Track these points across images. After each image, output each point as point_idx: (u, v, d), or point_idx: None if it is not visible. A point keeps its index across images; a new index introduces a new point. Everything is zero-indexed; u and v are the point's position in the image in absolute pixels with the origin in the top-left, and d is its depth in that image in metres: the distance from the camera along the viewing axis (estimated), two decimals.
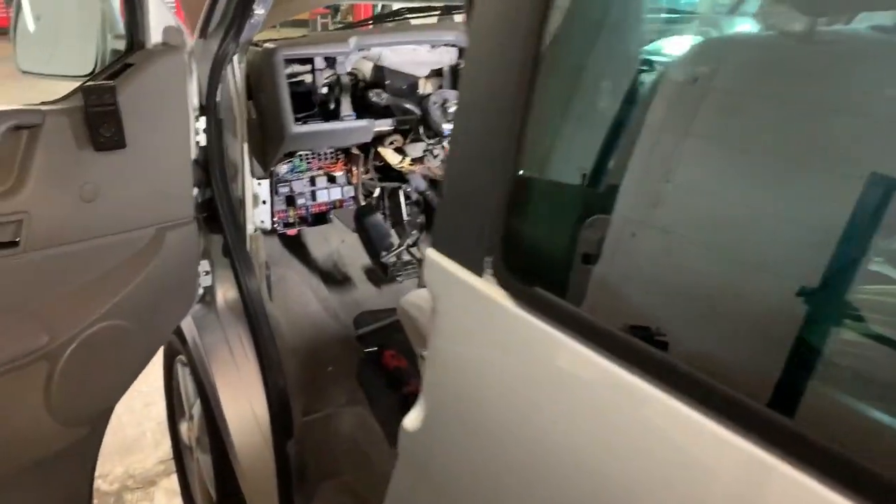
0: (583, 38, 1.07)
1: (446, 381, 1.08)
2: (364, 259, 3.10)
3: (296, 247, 2.86)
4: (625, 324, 0.82)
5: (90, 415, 1.89)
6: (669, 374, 0.72)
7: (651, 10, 1.29)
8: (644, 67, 1.16)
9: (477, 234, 0.97)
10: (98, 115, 1.73)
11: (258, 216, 2.31)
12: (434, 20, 2.92)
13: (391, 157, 2.39)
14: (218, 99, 2.09)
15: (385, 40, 2.33)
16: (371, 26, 2.92)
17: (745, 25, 1.19)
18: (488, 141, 0.94)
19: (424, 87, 2.73)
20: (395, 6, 3.00)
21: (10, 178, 1.68)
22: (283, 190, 2.45)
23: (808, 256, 0.74)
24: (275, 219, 2.44)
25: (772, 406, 0.67)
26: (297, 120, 2.10)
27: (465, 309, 1.00)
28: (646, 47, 1.21)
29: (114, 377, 1.89)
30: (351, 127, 2.21)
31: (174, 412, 2.73)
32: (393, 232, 2.55)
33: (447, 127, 2.16)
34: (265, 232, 2.37)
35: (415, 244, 3.13)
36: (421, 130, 2.24)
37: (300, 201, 2.49)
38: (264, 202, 2.31)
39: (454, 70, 2.60)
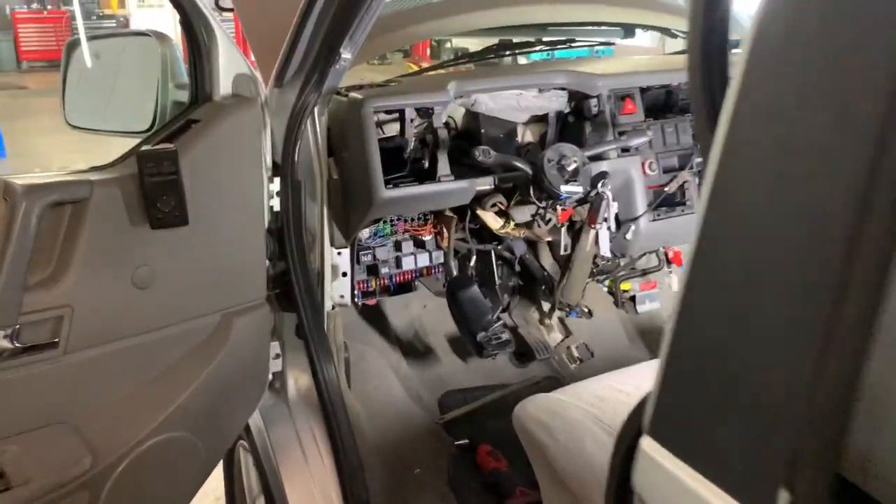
0: None
1: None
2: (447, 327, 2.75)
3: (373, 316, 2.52)
4: None
5: None
6: None
7: None
8: None
9: (759, 443, 0.58)
10: (156, 187, 1.42)
11: (337, 291, 1.98)
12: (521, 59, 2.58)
13: (492, 220, 2.03)
14: (296, 158, 1.77)
15: (488, 85, 1.99)
16: (466, 67, 2.59)
17: None
18: (813, 261, 0.54)
19: (523, 136, 2.38)
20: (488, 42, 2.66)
21: (49, 263, 1.38)
22: (365, 259, 2.12)
23: None
24: (355, 291, 2.09)
25: None
26: (387, 182, 1.76)
27: None
28: None
29: (168, 500, 1.56)
30: (449, 189, 1.87)
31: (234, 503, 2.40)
32: (521, 331, 2.19)
33: (566, 189, 1.80)
34: (344, 307, 2.03)
35: (506, 309, 2.76)
36: (531, 191, 1.88)
37: (384, 270, 2.16)
38: (344, 274, 1.98)
39: (562, 117, 2.24)
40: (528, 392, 2.68)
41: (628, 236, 2.09)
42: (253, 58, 2.10)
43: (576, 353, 2.66)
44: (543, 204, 1.91)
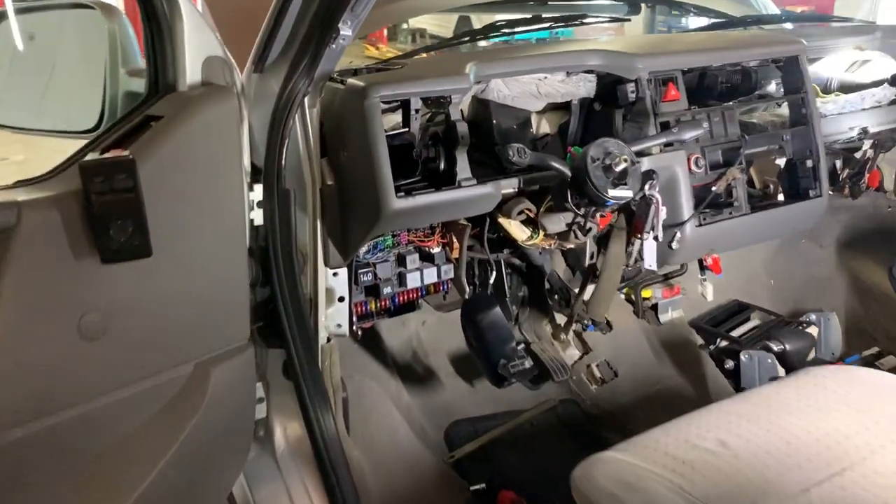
0: None
1: None
2: (448, 345, 2.44)
3: (367, 338, 2.19)
4: None
5: None
6: None
7: None
8: None
9: None
10: (107, 208, 1.07)
11: (333, 319, 1.65)
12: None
13: (518, 231, 1.71)
14: (283, 160, 1.43)
15: (512, 68, 1.66)
16: (485, 42, 2.25)
17: None
18: None
19: (538, 127, 2.07)
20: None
21: None
22: (365, 278, 1.79)
23: None
24: (352, 317, 1.76)
25: None
26: (397, 189, 1.43)
27: None
28: None
29: None
30: (473, 196, 1.54)
31: None
32: (534, 347, 1.88)
33: (614, 194, 1.49)
34: (341, 337, 1.70)
35: (516, 322, 2.46)
36: (568, 196, 1.56)
37: (385, 290, 1.83)
38: (342, 300, 1.65)
39: (587, 105, 1.93)
40: (546, 419, 2.40)
41: (674, 245, 1.80)
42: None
43: (597, 373, 2.38)
44: (583, 211, 1.60)
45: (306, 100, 1.48)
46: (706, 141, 1.87)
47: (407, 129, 1.54)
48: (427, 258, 1.91)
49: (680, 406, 2.33)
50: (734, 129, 1.93)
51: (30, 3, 1.64)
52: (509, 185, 1.66)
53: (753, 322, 2.84)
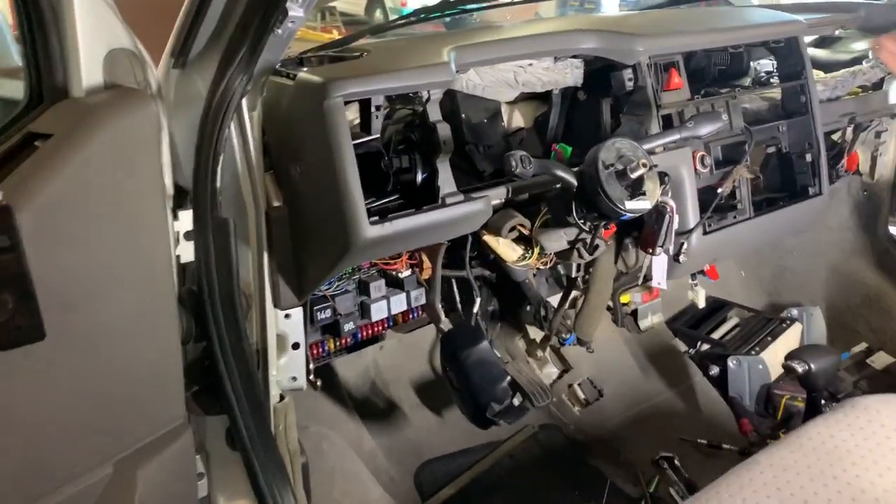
0: None
1: None
2: (409, 370, 2.18)
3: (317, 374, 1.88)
4: None
5: None
6: None
7: None
8: None
9: None
10: None
11: (287, 371, 1.36)
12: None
13: (507, 251, 1.44)
14: (217, 180, 1.12)
15: (495, 54, 1.38)
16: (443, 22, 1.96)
17: None
18: None
19: (510, 120, 1.80)
20: None
21: None
22: (323, 315, 1.48)
23: None
24: (309, 364, 1.46)
25: None
26: (370, 212, 1.13)
27: None
28: None
29: None
30: (460, 216, 1.26)
31: None
32: (509, 368, 1.61)
33: (632, 207, 1.24)
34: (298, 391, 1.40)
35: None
36: (573, 209, 1.30)
37: (347, 326, 1.53)
38: (296, 346, 1.35)
39: (569, 95, 1.68)
40: (527, 449, 2.17)
41: (681, 258, 1.57)
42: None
43: (580, 394, 2.15)
44: (589, 226, 1.34)
45: (244, 101, 1.16)
46: (710, 136, 1.64)
47: (376, 136, 1.24)
48: (394, 283, 1.63)
49: (673, 426, 2.16)
50: (738, 120, 1.71)
51: None
52: (497, 196, 1.39)
53: (732, 320, 2.68)
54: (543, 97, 1.79)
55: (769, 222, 1.80)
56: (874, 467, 1.17)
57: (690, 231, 1.59)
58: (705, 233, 1.65)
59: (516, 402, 1.59)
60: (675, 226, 1.47)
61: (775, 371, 2.39)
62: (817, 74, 2.07)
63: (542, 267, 1.53)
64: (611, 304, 2.28)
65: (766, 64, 2.04)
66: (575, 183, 1.29)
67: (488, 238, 1.45)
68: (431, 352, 2.22)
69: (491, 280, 2.09)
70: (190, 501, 1.18)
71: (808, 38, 2.09)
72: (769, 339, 2.51)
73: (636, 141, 1.36)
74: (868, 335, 2.60)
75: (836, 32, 2.34)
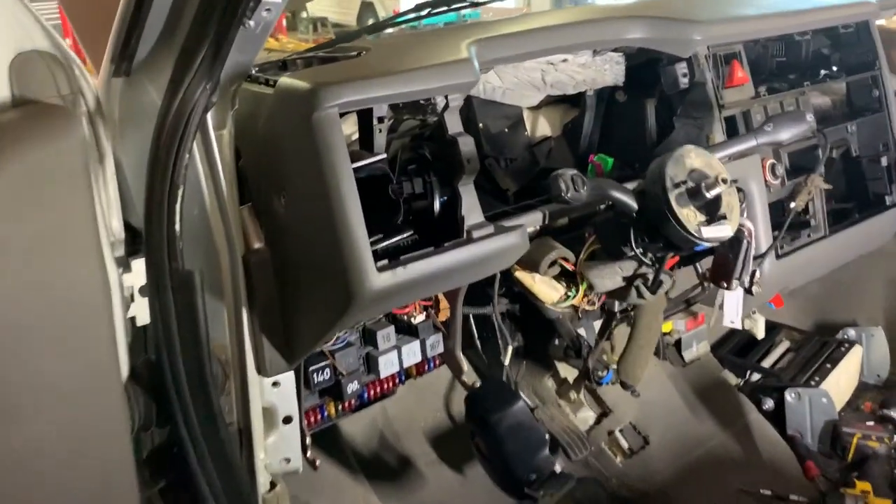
0: None
1: None
2: (425, 417, 1.90)
3: (315, 441, 1.62)
4: None
5: None
6: None
7: None
8: None
9: None
10: None
11: (277, 452, 1.10)
12: None
13: (546, 290, 1.18)
14: (177, 219, 0.86)
15: (527, 48, 1.13)
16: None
17: None
18: None
19: (533, 128, 1.56)
20: None
21: None
22: (320, 377, 1.22)
23: None
24: (305, 437, 1.20)
25: None
26: (378, 255, 0.87)
27: None
28: None
29: None
30: (490, 252, 0.99)
31: None
32: (539, 413, 1.35)
33: (712, 235, 0.97)
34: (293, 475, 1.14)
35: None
36: (631, 237, 1.04)
37: (350, 387, 1.26)
38: (288, 420, 1.08)
39: (606, 97, 1.43)
40: None
41: (754, 288, 1.30)
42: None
43: (623, 442, 1.87)
44: (651, 258, 1.08)
45: (209, 116, 0.90)
46: (792, 141, 1.38)
47: (380, 156, 0.98)
48: (406, 330, 1.36)
49: (731, 475, 1.88)
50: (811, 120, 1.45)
51: None
52: (531, 223, 1.13)
53: (783, 344, 2.41)
54: (572, 100, 1.54)
55: (845, 240, 1.55)
56: None
57: (763, 256, 1.33)
58: (778, 256, 1.39)
59: (558, 468, 1.32)
60: (752, 253, 1.20)
61: (838, 403, 2.13)
62: None
63: (588, 308, 1.27)
64: None
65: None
66: (635, 206, 1.03)
67: (522, 275, 1.19)
68: (448, 396, 1.96)
69: (514, 312, 1.83)
70: None
71: None
72: (828, 365, 2.25)
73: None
74: None
75: None
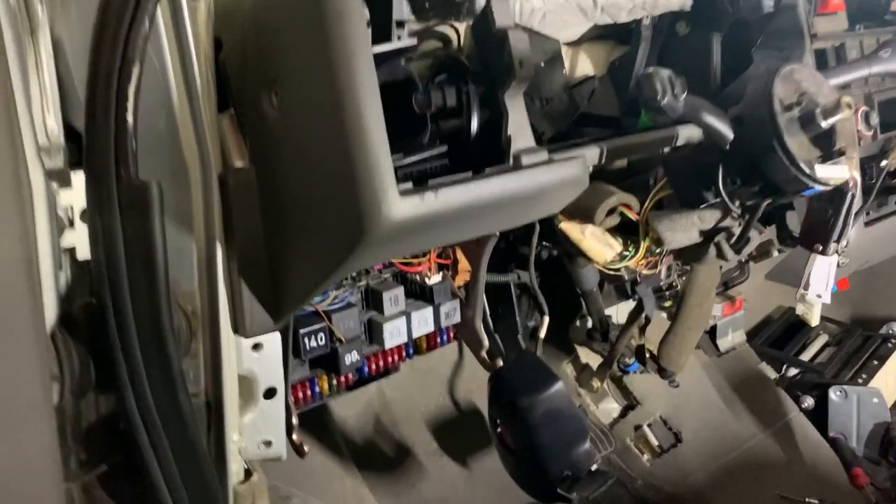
0: None
1: None
2: (426, 402, 1.69)
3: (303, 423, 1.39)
4: None
5: None
6: None
7: None
8: None
9: None
10: None
11: (255, 433, 0.88)
12: None
13: (598, 247, 0.96)
14: (129, 116, 0.62)
15: None
16: None
17: None
18: None
19: (572, 66, 1.33)
20: None
21: None
22: (313, 342, 0.99)
23: None
24: (293, 420, 0.97)
25: None
26: (401, 175, 0.63)
27: None
28: None
29: None
30: (542, 185, 0.77)
31: None
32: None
33: (827, 174, 0.75)
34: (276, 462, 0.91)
35: None
36: (719, 179, 0.82)
37: (349, 358, 1.03)
38: (270, 394, 0.85)
39: (665, 29, 1.22)
40: None
41: (841, 259, 1.09)
42: None
43: (652, 438, 1.66)
44: (739, 205, 0.86)
45: None
46: (876, 85, 1.16)
47: (409, 40, 0.75)
48: (417, 293, 1.13)
49: (771, 479, 1.67)
50: None
51: None
52: (592, 156, 0.90)
53: (821, 338, 2.21)
54: (620, 35, 1.32)
55: None
56: None
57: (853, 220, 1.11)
58: (867, 223, 1.17)
59: (595, 466, 1.10)
60: (855, 210, 0.98)
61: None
62: None
63: (646, 272, 1.04)
64: None
65: None
66: (730, 135, 0.80)
67: (568, 228, 0.96)
68: (452, 380, 1.74)
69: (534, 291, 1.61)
70: None
71: None
72: (875, 362, 2.05)
73: None
74: None
75: None
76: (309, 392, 1.07)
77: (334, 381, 1.10)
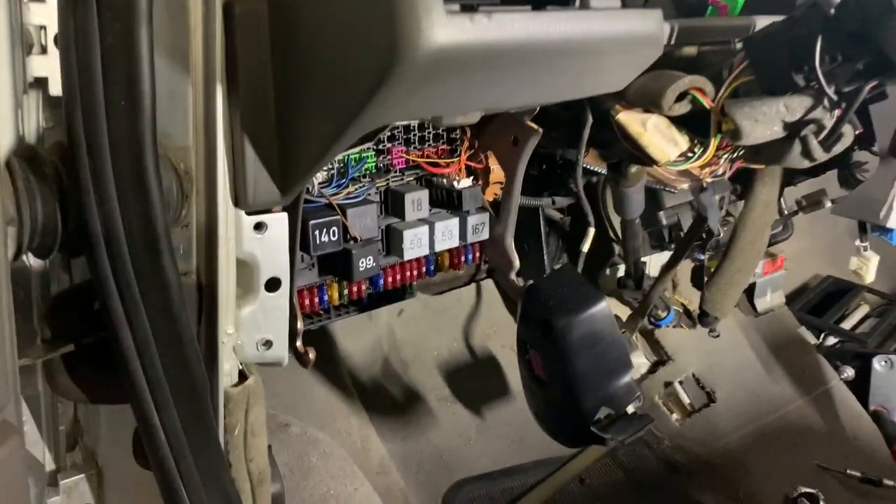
0: None
1: None
2: (439, 345, 1.58)
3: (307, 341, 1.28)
4: None
5: None
6: None
7: None
8: None
9: None
10: None
11: (254, 329, 0.75)
12: None
13: (661, 142, 0.83)
14: None
15: None
16: None
17: None
18: None
19: None
20: None
21: None
22: (325, 237, 0.86)
23: None
24: (297, 322, 0.85)
25: None
26: None
27: None
28: None
29: None
30: (611, 35, 0.64)
31: None
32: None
33: None
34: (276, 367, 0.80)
35: None
36: (817, 52, 0.69)
37: (364, 262, 0.91)
38: (273, 285, 0.73)
39: None
40: (603, 472, 1.56)
41: None
42: None
43: (684, 396, 1.54)
44: (836, 90, 0.73)
45: None
46: None
47: None
48: (442, 202, 1.01)
49: (810, 448, 1.54)
50: None
51: None
52: None
53: (862, 307, 2.08)
54: None
55: None
56: None
57: None
58: None
59: (631, 408, 0.97)
60: None
61: None
62: None
63: (709, 180, 0.92)
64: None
65: None
66: None
67: (627, 118, 0.83)
68: (468, 324, 1.62)
69: (562, 224, 1.49)
70: None
71: None
72: None
73: None
74: None
75: None
76: (317, 300, 0.95)
77: (345, 291, 0.97)
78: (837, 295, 2.08)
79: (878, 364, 1.75)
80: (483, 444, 1.48)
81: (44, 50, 0.62)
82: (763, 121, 0.77)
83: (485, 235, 1.05)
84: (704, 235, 1.24)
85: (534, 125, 0.92)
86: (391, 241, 0.99)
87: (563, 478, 1.44)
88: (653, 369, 1.61)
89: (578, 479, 1.46)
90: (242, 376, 0.79)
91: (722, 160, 0.87)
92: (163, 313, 0.62)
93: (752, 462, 1.49)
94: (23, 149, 0.59)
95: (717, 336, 1.54)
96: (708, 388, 1.58)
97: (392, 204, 0.99)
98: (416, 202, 0.98)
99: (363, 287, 0.99)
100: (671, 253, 1.38)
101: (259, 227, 0.74)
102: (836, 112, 0.76)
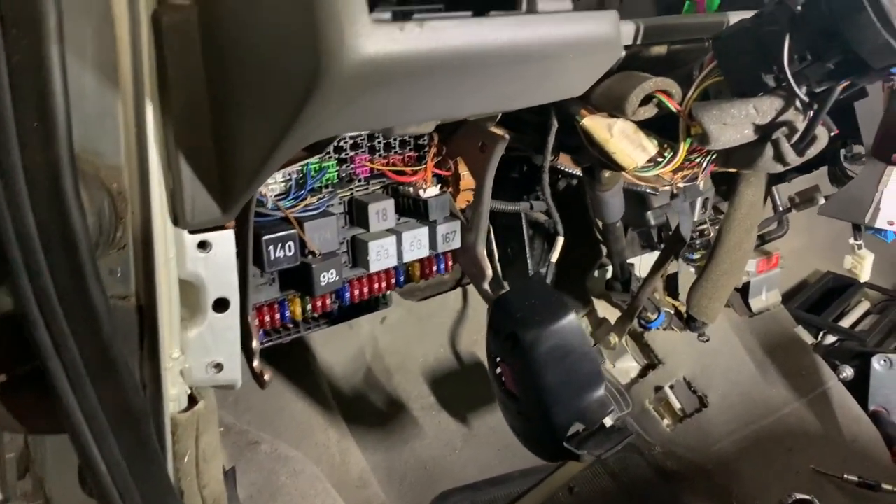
0: None
1: None
2: (425, 352, 1.55)
3: (281, 356, 1.26)
4: None
5: None
6: None
7: None
8: None
9: None
10: None
11: (203, 352, 0.72)
12: None
13: (628, 148, 0.79)
14: None
15: None
16: None
17: None
18: None
19: None
20: None
21: None
22: (280, 253, 0.83)
23: None
24: (253, 343, 0.82)
25: None
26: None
27: None
28: None
29: None
30: (561, 39, 0.60)
31: None
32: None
33: None
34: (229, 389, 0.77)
35: None
36: (784, 52, 0.65)
37: (325, 276, 0.88)
38: (221, 306, 0.70)
39: None
40: (593, 481, 1.52)
41: None
42: None
43: (675, 401, 1.51)
44: (808, 91, 0.69)
45: None
46: None
47: None
48: (410, 210, 0.98)
49: (806, 452, 1.50)
50: None
51: None
52: (624, 36, 0.74)
53: (862, 305, 2.04)
54: None
55: None
56: None
57: None
58: None
59: (609, 420, 0.94)
60: None
61: None
62: None
63: (680, 184, 0.88)
64: None
65: None
66: None
67: (592, 124, 0.80)
68: (454, 329, 1.59)
69: (546, 226, 1.45)
70: None
71: None
72: None
73: None
74: None
75: None
76: (278, 316, 0.92)
77: (308, 306, 0.94)
78: (837, 291, 2.04)
79: (877, 363, 1.70)
80: (469, 453, 1.45)
81: None
82: (732, 124, 0.74)
83: (456, 244, 1.01)
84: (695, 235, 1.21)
85: (499, 131, 0.89)
86: (357, 252, 0.96)
87: (551, 487, 1.41)
88: (643, 373, 1.58)
89: (567, 488, 1.42)
90: (193, 400, 0.76)
91: (694, 164, 0.83)
92: (93, 341, 0.60)
93: (746, 468, 1.45)
94: None
95: (707, 340, 1.50)
96: (700, 393, 1.55)
97: (357, 215, 0.95)
98: (381, 212, 0.94)
99: (328, 301, 0.96)
100: (659, 254, 1.35)
101: (203, 245, 0.71)
102: (809, 114, 0.73)
